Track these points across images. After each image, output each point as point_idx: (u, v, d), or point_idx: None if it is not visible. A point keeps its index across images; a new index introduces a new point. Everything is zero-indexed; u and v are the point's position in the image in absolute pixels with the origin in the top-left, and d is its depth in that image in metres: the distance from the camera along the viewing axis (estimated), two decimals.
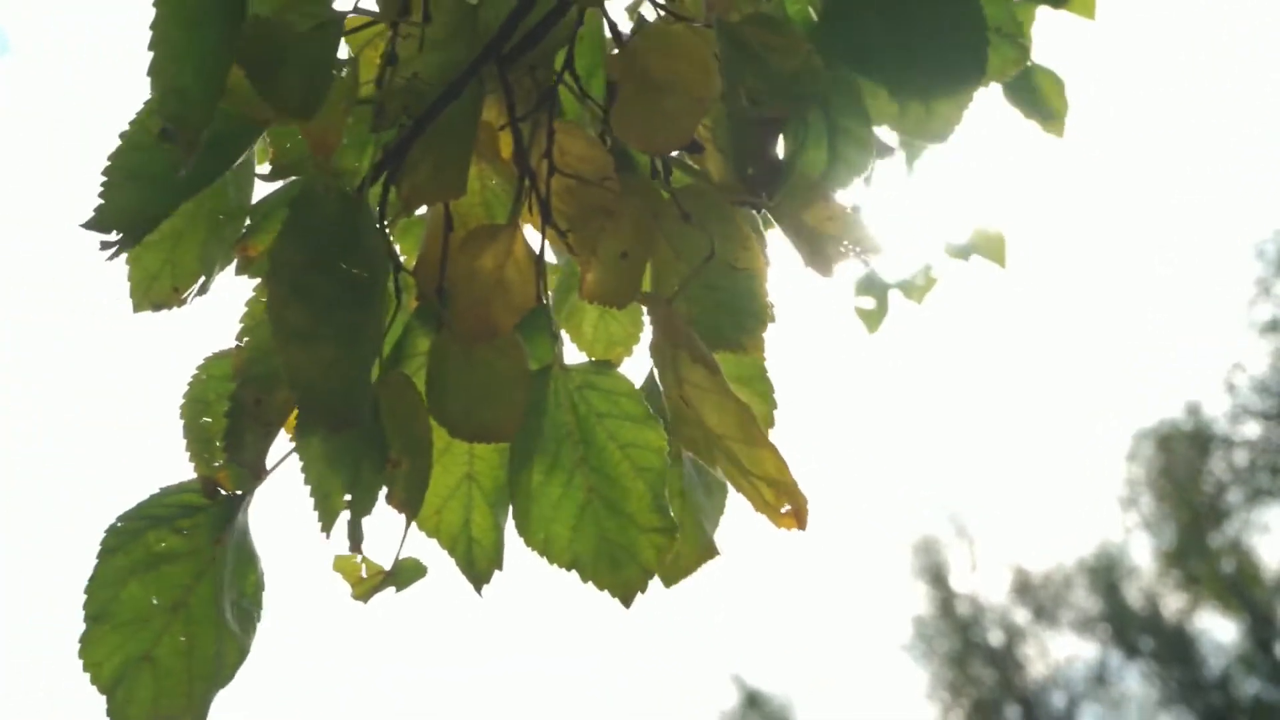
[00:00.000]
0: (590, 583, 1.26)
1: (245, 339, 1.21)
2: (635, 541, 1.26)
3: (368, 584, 1.32)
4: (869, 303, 4.20)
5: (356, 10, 1.22)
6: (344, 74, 1.17)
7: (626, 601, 1.27)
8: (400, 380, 1.26)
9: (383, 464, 1.17)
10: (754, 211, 1.28)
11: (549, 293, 1.31)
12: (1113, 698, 16.18)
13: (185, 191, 1.12)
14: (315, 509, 1.18)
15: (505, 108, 1.28)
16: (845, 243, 1.23)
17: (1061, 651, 16.46)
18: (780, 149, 1.35)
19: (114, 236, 1.09)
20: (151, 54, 1.01)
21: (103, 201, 1.10)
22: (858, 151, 1.31)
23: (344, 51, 1.23)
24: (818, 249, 1.23)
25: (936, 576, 16.98)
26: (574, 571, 1.27)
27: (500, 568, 1.31)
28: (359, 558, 1.31)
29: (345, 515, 1.16)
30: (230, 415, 1.21)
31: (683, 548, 1.31)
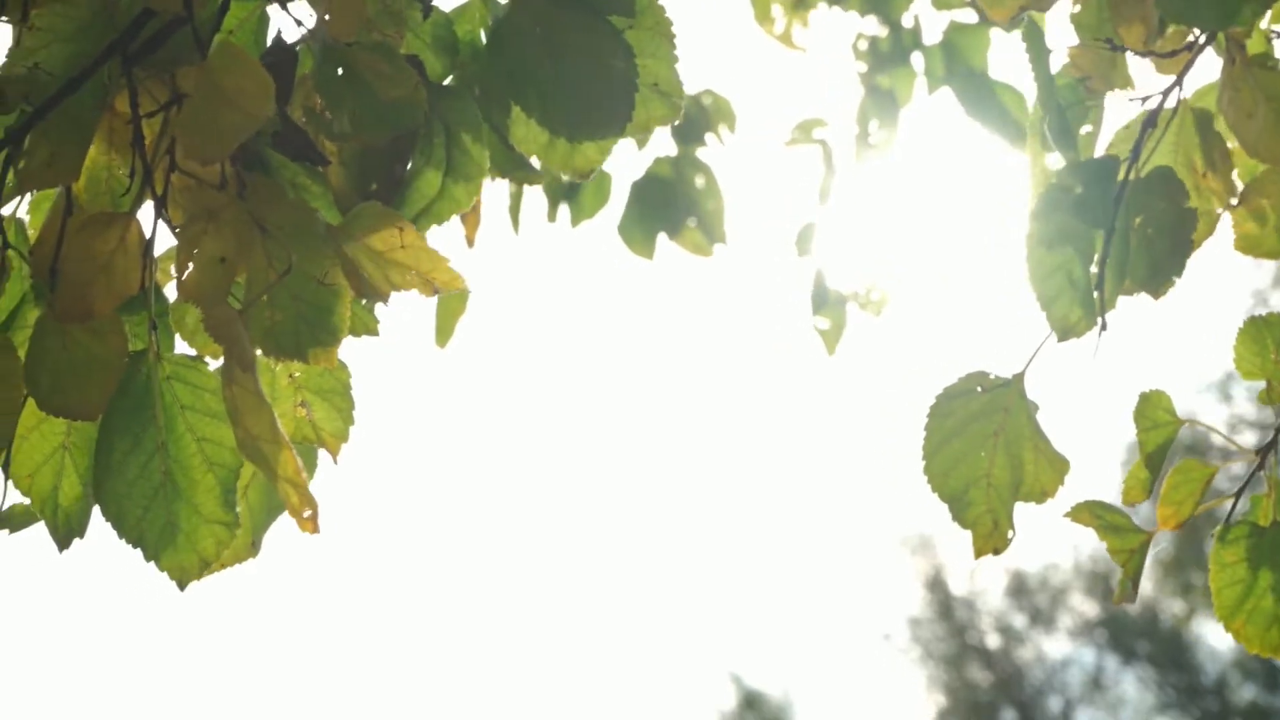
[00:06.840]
0: (151, 562, 1.34)
1: None
2: (198, 530, 1.34)
3: None
4: (824, 323, 4.10)
5: None
6: None
7: (181, 585, 1.35)
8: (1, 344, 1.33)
9: None
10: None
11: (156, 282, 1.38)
12: (1109, 701, 16.14)
13: None
14: None
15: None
16: (413, 272, 1.29)
17: (1058, 655, 16.43)
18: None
19: None
20: None
21: None
22: (465, 190, 1.38)
23: None
24: (369, 275, 1.29)
25: (934, 579, 16.91)
26: (139, 549, 1.34)
27: (82, 535, 1.38)
28: None
29: None
30: None
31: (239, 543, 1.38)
